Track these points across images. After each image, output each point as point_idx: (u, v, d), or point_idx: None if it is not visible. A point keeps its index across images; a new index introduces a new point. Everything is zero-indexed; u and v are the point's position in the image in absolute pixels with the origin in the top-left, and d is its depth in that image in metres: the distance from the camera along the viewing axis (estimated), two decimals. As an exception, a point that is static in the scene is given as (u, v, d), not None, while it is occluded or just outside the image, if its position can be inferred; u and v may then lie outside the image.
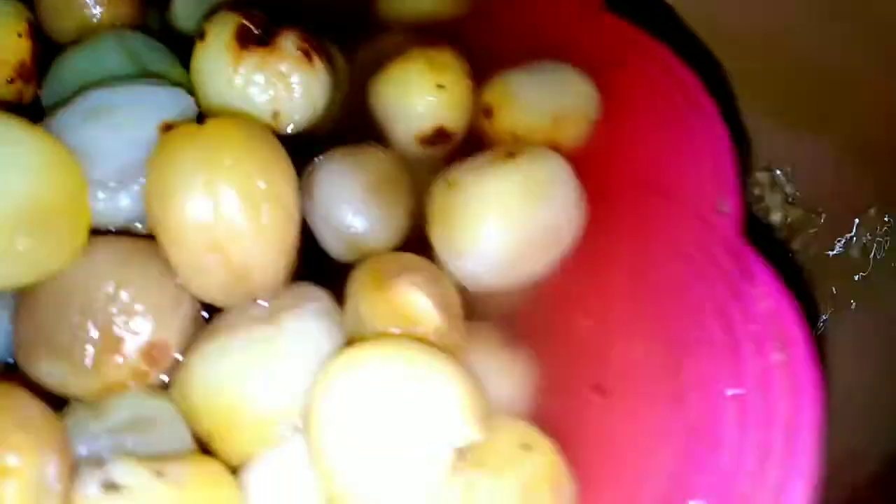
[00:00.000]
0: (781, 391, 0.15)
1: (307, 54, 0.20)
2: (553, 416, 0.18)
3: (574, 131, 0.21)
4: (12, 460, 0.13)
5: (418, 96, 0.21)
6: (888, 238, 0.31)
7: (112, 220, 0.18)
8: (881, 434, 0.28)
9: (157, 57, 0.21)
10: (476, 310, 0.20)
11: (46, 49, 0.21)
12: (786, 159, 0.35)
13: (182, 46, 0.22)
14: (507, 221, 0.19)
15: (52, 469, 0.13)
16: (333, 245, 0.20)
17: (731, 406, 0.16)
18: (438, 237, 0.19)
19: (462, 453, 0.15)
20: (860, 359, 0.31)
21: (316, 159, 0.21)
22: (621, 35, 0.22)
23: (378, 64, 0.23)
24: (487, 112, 0.22)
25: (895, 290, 0.31)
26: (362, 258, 0.20)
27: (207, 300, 0.18)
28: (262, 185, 0.16)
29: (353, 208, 0.20)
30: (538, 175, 0.19)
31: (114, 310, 0.17)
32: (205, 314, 0.19)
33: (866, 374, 0.30)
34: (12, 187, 0.15)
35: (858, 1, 0.29)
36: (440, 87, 0.21)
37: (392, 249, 0.21)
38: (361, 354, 0.15)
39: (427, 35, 0.23)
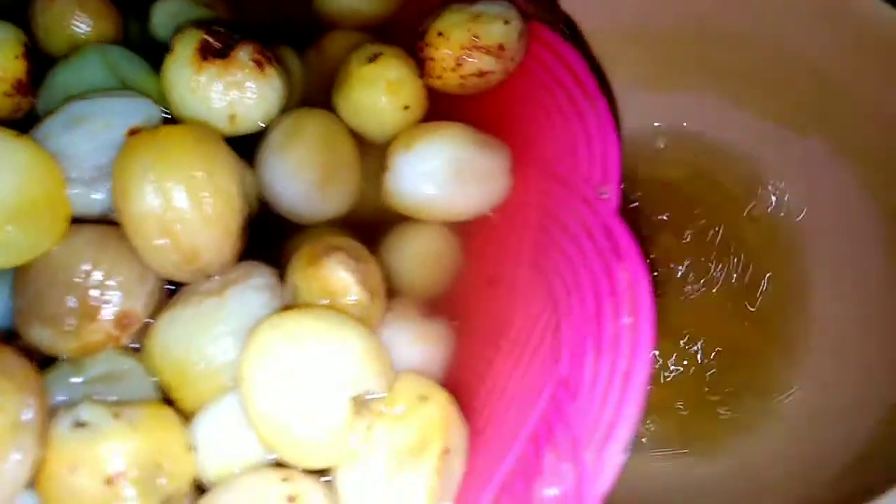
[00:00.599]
0: (625, 349, 0.18)
1: (259, 64, 0.23)
2: (456, 371, 0.22)
3: (495, 28, 0.23)
4: None
5: (391, 122, 0.24)
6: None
7: (89, 211, 0.21)
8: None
9: (134, 67, 0.25)
10: (402, 287, 0.23)
11: (43, 62, 0.25)
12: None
13: (160, 54, 0.25)
14: (449, 149, 0.23)
15: (29, 410, 0.17)
16: (286, 212, 0.24)
17: (590, 361, 0.18)
18: (391, 153, 0.23)
19: (363, 401, 0.18)
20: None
21: (268, 131, 0.24)
22: (532, 32, 0.24)
23: (328, 64, 0.26)
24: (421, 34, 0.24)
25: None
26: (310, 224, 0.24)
27: (166, 277, 0.21)
28: (205, 180, 0.20)
29: (301, 187, 0.23)
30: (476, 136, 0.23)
31: (90, 284, 0.20)
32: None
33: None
34: (2, 186, 0.19)
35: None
36: (406, 107, 0.24)
37: (337, 217, 0.24)
38: (282, 317, 0.18)
39: (368, 33, 0.26)
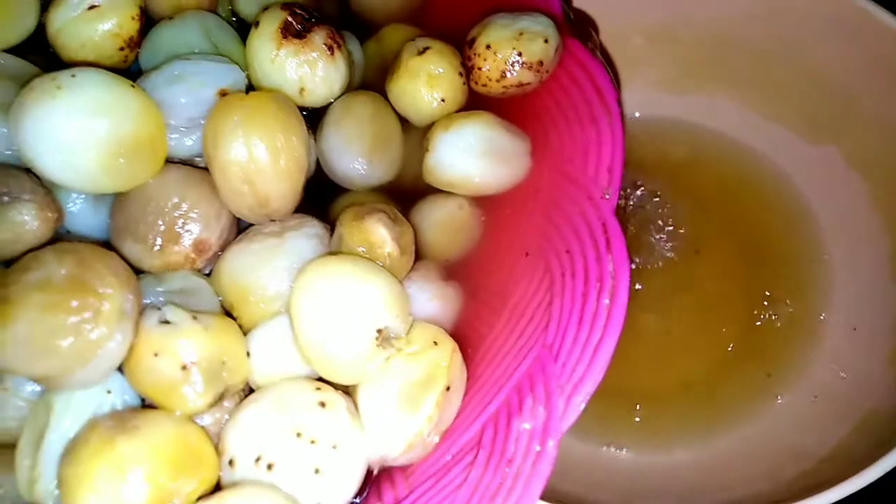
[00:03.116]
0: (600, 324, 0.22)
1: (331, 49, 0.27)
2: (463, 326, 0.26)
3: (536, 46, 0.27)
4: (107, 290, 0.21)
5: (427, 110, 0.28)
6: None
7: (180, 153, 0.25)
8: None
9: (226, 35, 0.28)
10: (427, 252, 0.27)
11: (149, 23, 0.29)
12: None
13: (243, 27, 0.29)
14: (480, 131, 0.27)
15: (128, 302, 0.21)
16: (339, 178, 0.28)
17: (571, 331, 0.23)
18: (432, 135, 0.27)
19: (385, 335, 0.23)
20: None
21: (328, 109, 0.28)
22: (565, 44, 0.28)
23: (385, 53, 0.30)
24: (470, 42, 0.28)
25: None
26: (358, 189, 0.28)
27: (239, 216, 0.26)
28: (282, 140, 0.24)
29: (352, 156, 0.28)
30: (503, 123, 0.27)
31: (176, 214, 0.24)
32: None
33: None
34: (119, 126, 0.23)
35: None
36: (442, 100, 0.28)
37: (380, 185, 0.28)
38: (325, 261, 0.23)
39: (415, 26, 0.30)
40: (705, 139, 0.41)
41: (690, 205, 0.40)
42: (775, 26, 0.37)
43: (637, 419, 0.36)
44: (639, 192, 0.40)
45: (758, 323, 0.37)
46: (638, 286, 0.38)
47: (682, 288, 0.38)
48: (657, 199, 0.40)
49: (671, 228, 0.39)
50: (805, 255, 0.38)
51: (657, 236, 0.39)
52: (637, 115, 0.42)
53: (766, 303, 0.37)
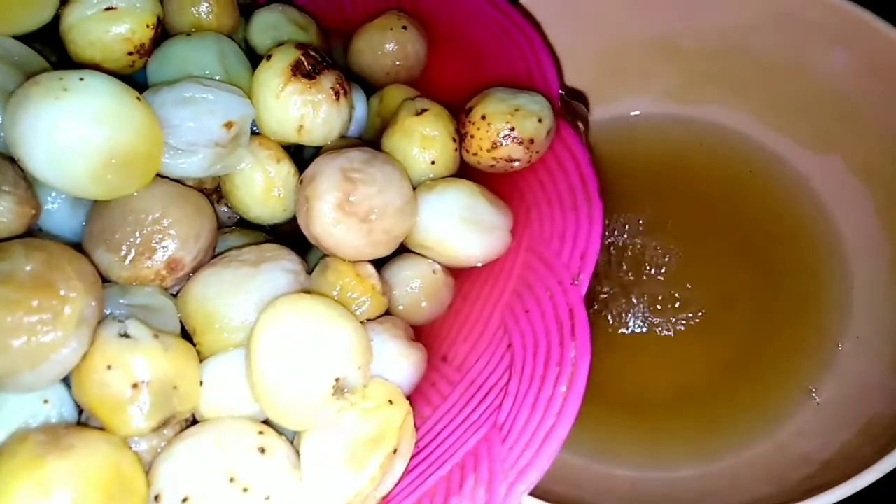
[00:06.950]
0: (554, 411, 0.22)
1: (336, 94, 0.28)
2: (415, 393, 0.26)
3: (529, 124, 0.27)
4: (71, 294, 0.20)
5: (417, 170, 0.28)
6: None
7: (172, 172, 0.25)
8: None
9: (238, 63, 0.29)
10: (395, 312, 0.28)
11: (164, 35, 0.29)
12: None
13: (252, 57, 0.30)
14: (463, 197, 0.27)
15: (90, 309, 0.21)
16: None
17: (524, 414, 0.23)
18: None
19: (341, 386, 0.23)
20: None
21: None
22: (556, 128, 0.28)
23: (384, 111, 0.31)
24: (467, 111, 0.28)
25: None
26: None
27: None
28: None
29: None
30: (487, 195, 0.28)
31: (155, 229, 0.24)
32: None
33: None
34: (118, 138, 0.22)
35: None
36: (433, 162, 0.28)
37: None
38: (297, 297, 0.23)
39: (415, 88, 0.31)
40: (708, 146, 0.42)
41: (694, 212, 0.40)
42: (777, 37, 0.38)
43: (640, 434, 0.36)
44: (643, 200, 0.40)
45: (763, 333, 0.37)
46: (643, 297, 0.38)
47: (685, 299, 0.38)
48: (661, 207, 0.40)
49: (675, 236, 0.39)
50: (816, 266, 0.38)
51: (661, 245, 0.39)
52: (641, 120, 0.43)
53: (772, 313, 0.37)
